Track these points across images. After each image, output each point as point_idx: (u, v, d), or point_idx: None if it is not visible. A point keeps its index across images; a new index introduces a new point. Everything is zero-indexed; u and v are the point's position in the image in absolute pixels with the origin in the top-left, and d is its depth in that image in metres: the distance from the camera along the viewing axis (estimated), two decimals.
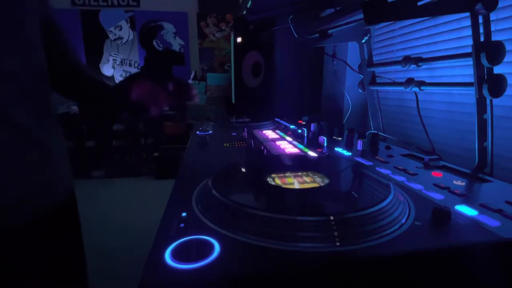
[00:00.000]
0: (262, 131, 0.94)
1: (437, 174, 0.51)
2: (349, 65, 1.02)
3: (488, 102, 0.53)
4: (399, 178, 0.48)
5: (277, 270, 0.26)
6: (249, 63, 1.35)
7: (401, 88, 0.72)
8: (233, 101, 1.61)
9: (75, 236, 0.58)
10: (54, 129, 0.51)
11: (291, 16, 0.97)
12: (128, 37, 2.99)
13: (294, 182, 0.44)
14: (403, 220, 0.33)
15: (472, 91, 0.54)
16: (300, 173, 0.47)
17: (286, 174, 0.46)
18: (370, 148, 0.68)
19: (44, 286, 0.49)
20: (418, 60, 0.68)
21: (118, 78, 2.98)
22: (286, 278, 0.26)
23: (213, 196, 0.37)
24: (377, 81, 0.89)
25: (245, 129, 0.86)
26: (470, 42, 0.53)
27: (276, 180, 0.44)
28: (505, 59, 0.50)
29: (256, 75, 1.31)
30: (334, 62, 1.16)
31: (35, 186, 0.46)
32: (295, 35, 0.98)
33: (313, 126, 0.87)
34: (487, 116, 0.53)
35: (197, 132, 0.85)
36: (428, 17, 0.81)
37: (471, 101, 0.72)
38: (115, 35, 2.96)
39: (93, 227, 0.51)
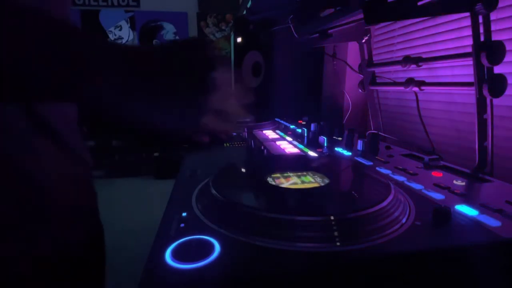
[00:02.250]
0: (262, 131, 0.94)
1: (437, 174, 0.51)
2: (349, 65, 1.02)
3: (488, 102, 0.53)
4: (399, 178, 0.48)
5: (277, 270, 0.26)
6: (249, 63, 1.35)
7: (401, 88, 0.72)
8: None
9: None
10: (85, 146, 0.45)
11: (291, 16, 0.97)
12: (128, 37, 2.99)
13: (294, 182, 0.44)
14: (403, 220, 0.33)
15: (472, 91, 0.54)
16: (300, 173, 0.47)
17: (286, 174, 0.46)
18: (370, 148, 0.68)
19: None
20: (418, 60, 0.68)
21: None
22: (286, 278, 0.26)
23: (213, 196, 0.37)
24: (377, 81, 0.89)
25: (245, 129, 0.86)
26: (470, 42, 0.53)
27: (276, 180, 0.44)
28: (505, 59, 0.50)
29: (256, 75, 1.31)
30: (334, 62, 1.16)
31: (83, 207, 0.41)
32: (295, 35, 0.98)
33: (313, 126, 0.87)
34: (487, 116, 0.53)
35: None
36: (428, 17, 0.81)
37: (471, 101, 0.72)
38: (115, 35, 2.96)
39: None
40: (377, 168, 0.54)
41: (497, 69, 0.52)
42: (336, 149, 0.69)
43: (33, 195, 0.33)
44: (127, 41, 2.97)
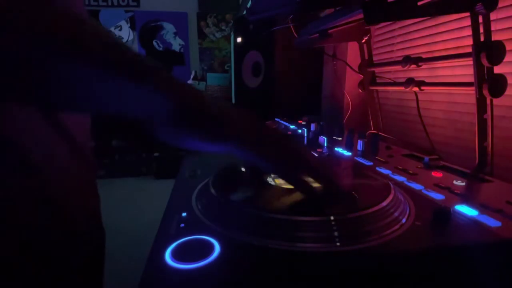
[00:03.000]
0: None
1: (437, 174, 0.51)
2: (349, 65, 1.02)
3: (488, 102, 0.53)
4: (399, 178, 0.48)
5: (277, 270, 0.26)
6: (249, 63, 1.35)
7: (401, 88, 0.72)
8: (233, 101, 1.61)
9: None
10: (90, 148, 0.45)
11: (291, 16, 0.97)
12: (128, 37, 2.99)
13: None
14: (403, 220, 0.33)
15: (472, 91, 0.54)
16: None
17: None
18: (370, 148, 0.68)
19: None
20: (418, 60, 0.68)
21: None
22: (286, 278, 0.26)
23: (213, 196, 0.37)
24: (377, 81, 0.89)
25: None
26: (470, 42, 0.53)
27: (276, 180, 0.44)
28: (505, 59, 0.50)
29: (256, 75, 1.31)
30: (334, 62, 1.16)
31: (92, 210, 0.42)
32: (295, 35, 0.98)
33: (313, 126, 0.87)
34: (487, 116, 0.53)
35: None
36: (428, 17, 0.81)
37: (471, 101, 0.72)
38: (115, 35, 2.96)
39: None
40: (377, 168, 0.54)
41: (497, 69, 0.52)
42: (336, 149, 0.69)
43: (39, 188, 0.32)
44: (127, 41, 2.97)
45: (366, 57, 0.87)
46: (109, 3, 2.90)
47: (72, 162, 0.37)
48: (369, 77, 0.88)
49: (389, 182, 0.40)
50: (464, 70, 0.73)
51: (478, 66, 0.52)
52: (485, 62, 0.50)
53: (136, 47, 2.99)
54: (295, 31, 0.99)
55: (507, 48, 0.50)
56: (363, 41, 0.86)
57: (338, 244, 0.29)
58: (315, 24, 0.86)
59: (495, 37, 0.51)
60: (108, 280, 0.50)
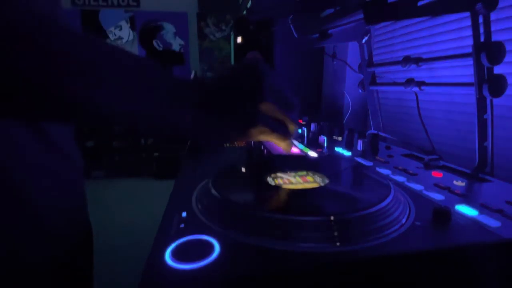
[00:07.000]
0: None
1: (437, 174, 0.51)
2: (349, 65, 1.02)
3: (488, 102, 0.53)
4: (399, 178, 0.48)
5: (277, 270, 0.26)
6: None
7: (401, 88, 0.72)
8: None
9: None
10: (77, 148, 0.46)
11: (291, 16, 0.97)
12: (128, 37, 2.99)
13: (294, 182, 0.44)
14: (403, 220, 0.33)
15: (472, 91, 0.54)
16: (300, 173, 0.47)
17: (286, 174, 0.46)
18: (370, 148, 0.68)
19: None
20: (418, 60, 0.68)
21: None
22: (286, 278, 0.26)
23: (213, 196, 0.37)
24: (377, 81, 0.89)
25: None
26: (470, 42, 0.53)
27: (276, 180, 0.44)
28: (505, 59, 0.50)
29: None
30: (334, 62, 1.16)
31: (72, 206, 0.42)
32: (295, 35, 0.98)
33: (313, 126, 0.87)
34: (487, 116, 0.53)
35: None
36: (428, 17, 0.81)
37: (471, 101, 0.72)
38: (115, 35, 2.97)
39: (93, 227, 0.51)
40: (377, 169, 0.54)
41: (497, 69, 0.52)
42: (336, 149, 0.69)
43: (12, 190, 0.33)
44: (127, 41, 2.97)
45: (366, 57, 0.87)
46: (109, 3, 2.91)
47: (50, 162, 0.38)
48: (369, 77, 0.88)
49: (389, 182, 0.40)
50: (464, 70, 0.73)
51: (478, 66, 0.52)
52: (485, 62, 0.50)
53: (136, 47, 2.99)
54: (295, 31, 0.99)
55: (507, 48, 0.50)
56: (363, 41, 0.86)
57: (338, 244, 0.29)
58: (315, 24, 0.86)
59: (495, 37, 0.51)
60: (108, 280, 0.50)
